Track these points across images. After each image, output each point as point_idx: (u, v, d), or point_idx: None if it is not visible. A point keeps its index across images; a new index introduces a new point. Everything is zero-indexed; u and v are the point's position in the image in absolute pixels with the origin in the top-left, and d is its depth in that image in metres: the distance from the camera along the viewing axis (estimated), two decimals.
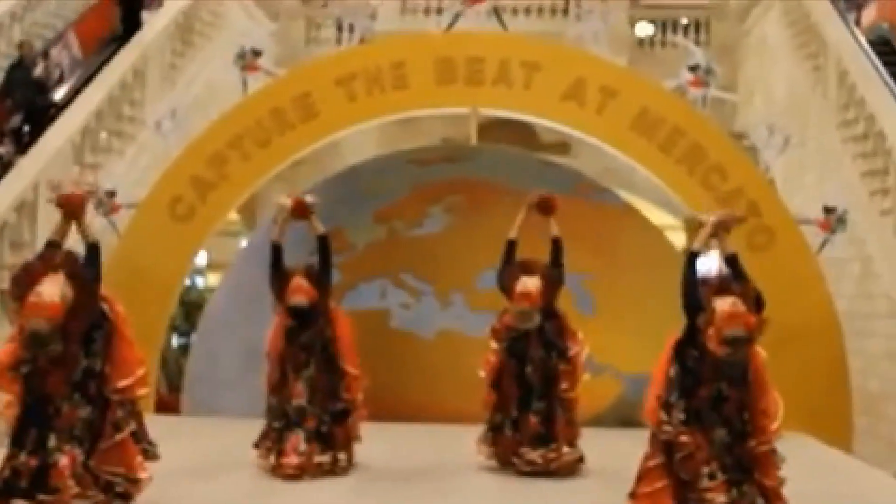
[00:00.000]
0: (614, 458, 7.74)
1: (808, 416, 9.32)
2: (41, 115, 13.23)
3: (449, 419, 9.49)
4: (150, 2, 15.62)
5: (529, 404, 7.50)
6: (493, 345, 7.73)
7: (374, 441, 7.76)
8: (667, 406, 5.91)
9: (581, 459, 7.60)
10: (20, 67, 13.61)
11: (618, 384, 9.99)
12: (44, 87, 13.75)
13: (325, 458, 7.22)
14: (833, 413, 9.85)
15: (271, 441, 7.29)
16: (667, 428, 5.88)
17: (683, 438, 5.83)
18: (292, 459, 7.12)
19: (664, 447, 5.93)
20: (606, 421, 9.59)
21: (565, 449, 7.48)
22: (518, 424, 7.50)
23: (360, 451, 7.58)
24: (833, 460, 8.65)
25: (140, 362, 5.87)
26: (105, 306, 5.79)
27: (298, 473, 7.08)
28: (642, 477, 6.04)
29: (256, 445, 7.40)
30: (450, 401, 9.67)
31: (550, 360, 7.57)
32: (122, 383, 5.69)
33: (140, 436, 5.91)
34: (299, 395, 7.26)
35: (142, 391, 5.87)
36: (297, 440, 7.16)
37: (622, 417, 9.66)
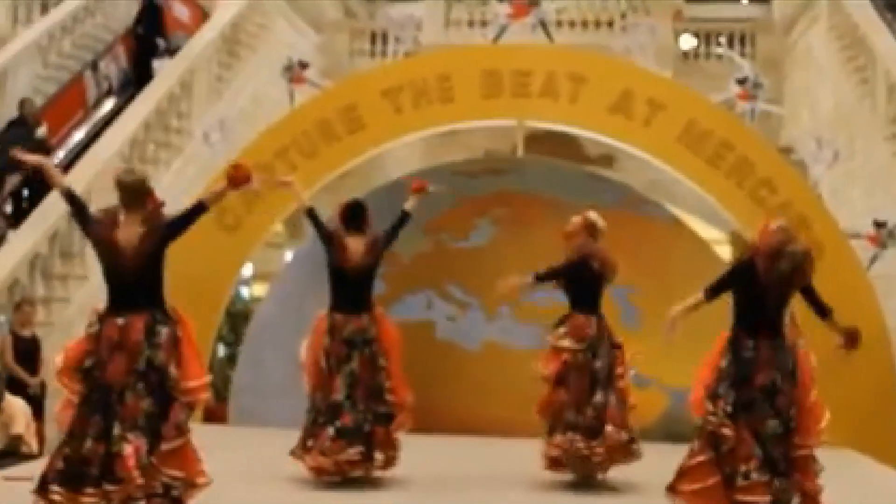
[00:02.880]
0: (661, 472, 7.71)
1: (856, 431, 9.25)
2: (42, 177, 12.65)
3: (494, 431, 9.49)
4: (161, 53, 15.50)
5: (592, 398, 7.52)
6: (567, 343, 7.65)
7: (418, 453, 7.74)
8: (714, 397, 5.89)
9: (633, 441, 7.64)
10: (20, 125, 12.84)
11: (664, 398, 9.94)
12: (46, 148, 12.71)
13: (350, 454, 7.13)
14: (882, 429, 9.75)
15: (313, 439, 7.29)
16: (712, 418, 5.85)
17: (726, 431, 5.81)
18: (313, 459, 7.16)
19: (712, 441, 5.89)
20: (652, 435, 9.51)
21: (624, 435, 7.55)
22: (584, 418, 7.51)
23: (403, 462, 7.57)
24: (881, 476, 8.55)
25: (205, 368, 5.91)
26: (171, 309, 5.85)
27: (319, 474, 7.15)
28: (686, 473, 5.96)
29: (293, 453, 7.39)
30: (495, 413, 9.67)
31: (612, 350, 7.68)
32: (192, 384, 5.70)
33: None
34: (336, 391, 7.26)
35: (206, 395, 5.88)
36: (325, 438, 7.16)
37: (668, 432, 9.60)
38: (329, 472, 7.18)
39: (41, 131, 12.85)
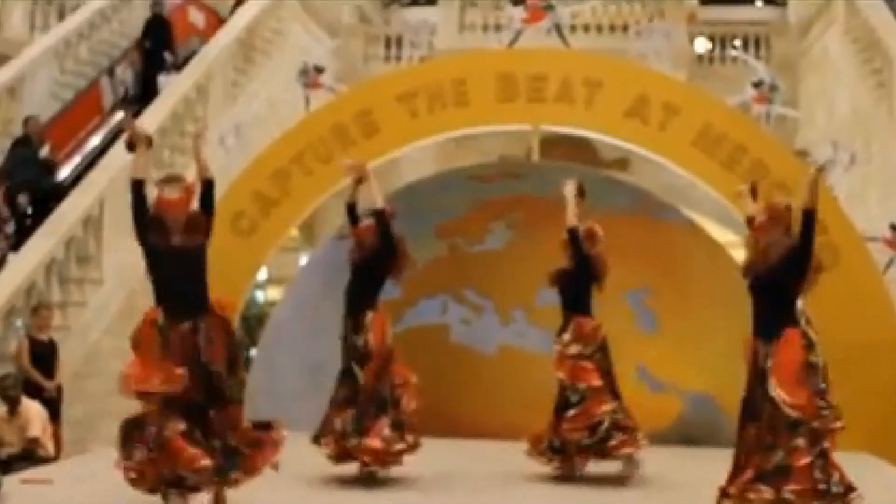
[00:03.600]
0: (677, 475, 7.75)
1: (872, 435, 9.22)
2: (47, 197, 12.36)
3: (509, 435, 9.47)
4: (168, 68, 15.41)
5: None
6: (584, 349, 7.75)
7: (433, 456, 7.77)
8: (821, 394, 5.89)
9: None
10: (24, 145, 12.68)
11: (679, 402, 9.92)
12: (50, 168, 12.93)
13: (403, 445, 7.38)
14: None
15: (359, 435, 7.33)
16: (827, 413, 5.85)
17: (839, 424, 5.85)
18: (375, 442, 7.25)
19: (817, 440, 5.84)
20: (667, 439, 9.52)
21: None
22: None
23: (419, 465, 7.63)
24: None
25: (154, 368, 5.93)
26: None
27: (375, 460, 7.31)
28: (795, 473, 5.80)
29: (316, 440, 7.51)
30: (511, 417, 9.66)
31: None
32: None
33: None
34: (388, 385, 7.46)
35: (144, 388, 5.90)
36: (383, 426, 7.31)
37: (683, 435, 9.60)
38: (382, 459, 7.33)
39: (44, 151, 12.70)
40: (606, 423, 7.60)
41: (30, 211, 12.32)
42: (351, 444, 7.29)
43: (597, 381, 7.64)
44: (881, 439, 9.38)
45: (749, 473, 5.89)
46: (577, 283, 7.88)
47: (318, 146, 10.72)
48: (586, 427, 7.61)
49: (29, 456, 8.95)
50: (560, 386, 7.78)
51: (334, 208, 14.69)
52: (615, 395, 7.75)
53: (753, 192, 6.63)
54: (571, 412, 7.64)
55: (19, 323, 10.82)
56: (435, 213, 10.60)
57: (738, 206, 10.26)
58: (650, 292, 9.98)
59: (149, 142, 6.28)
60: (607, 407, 7.62)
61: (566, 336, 7.78)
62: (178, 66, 15.33)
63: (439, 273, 10.45)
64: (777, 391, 5.84)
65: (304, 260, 14.80)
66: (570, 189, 7.99)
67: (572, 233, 7.86)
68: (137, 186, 6.13)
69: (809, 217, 6.03)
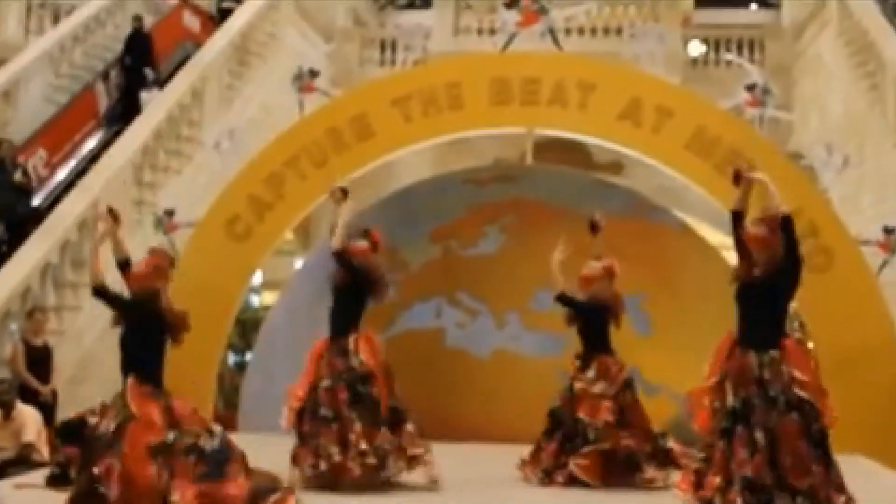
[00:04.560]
0: (674, 477, 7.75)
1: (867, 438, 9.23)
2: (22, 223, 12.12)
3: (505, 438, 9.48)
4: (150, 85, 15.26)
5: None
6: (607, 388, 7.84)
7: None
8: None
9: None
10: None
11: (673, 405, 9.91)
12: (26, 192, 12.52)
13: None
14: (891, 434, 9.73)
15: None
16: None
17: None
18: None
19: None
20: None
21: None
22: None
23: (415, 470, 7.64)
24: (891, 482, 8.54)
25: None
26: None
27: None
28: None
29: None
30: (506, 420, 9.68)
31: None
32: None
33: None
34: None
35: None
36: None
37: (679, 439, 9.58)
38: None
39: (18, 175, 12.41)
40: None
41: (6, 237, 12.12)
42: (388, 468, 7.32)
43: (610, 417, 7.73)
44: (875, 442, 9.39)
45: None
46: (594, 325, 7.96)
47: (312, 150, 10.71)
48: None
49: (24, 461, 8.93)
50: (574, 419, 7.78)
51: (329, 212, 14.73)
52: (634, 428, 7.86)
53: (736, 178, 6.40)
54: (587, 448, 7.70)
55: (14, 327, 10.83)
56: (430, 217, 10.62)
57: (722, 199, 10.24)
58: (644, 295, 9.97)
59: (116, 220, 6.50)
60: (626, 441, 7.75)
61: (590, 374, 7.82)
62: (161, 82, 15.23)
63: (433, 276, 10.47)
64: (813, 401, 5.97)
65: (299, 263, 14.80)
66: (555, 258, 8.00)
67: (561, 298, 7.95)
68: (122, 268, 6.63)
69: (787, 224, 6.13)
